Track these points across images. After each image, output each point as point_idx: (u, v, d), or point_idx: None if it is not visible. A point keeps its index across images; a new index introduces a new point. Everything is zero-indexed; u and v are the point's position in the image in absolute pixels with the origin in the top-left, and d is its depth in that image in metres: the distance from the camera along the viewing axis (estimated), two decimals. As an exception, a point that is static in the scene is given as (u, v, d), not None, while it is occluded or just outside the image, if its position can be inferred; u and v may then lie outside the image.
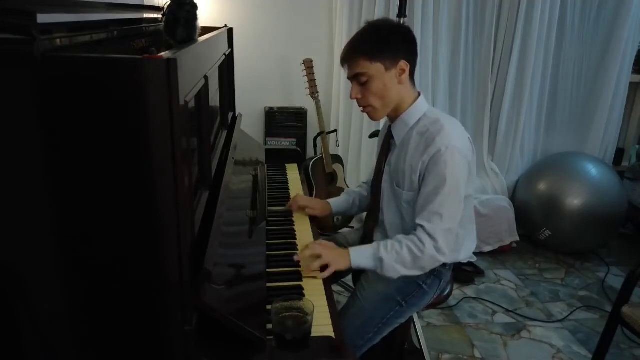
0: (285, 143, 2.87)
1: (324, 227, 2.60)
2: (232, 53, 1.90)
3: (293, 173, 2.07)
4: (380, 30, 1.36)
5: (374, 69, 1.33)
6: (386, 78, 1.34)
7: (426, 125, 1.37)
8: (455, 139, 1.31)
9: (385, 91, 1.35)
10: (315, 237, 1.51)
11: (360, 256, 1.34)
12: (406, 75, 1.36)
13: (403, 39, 1.36)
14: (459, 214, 1.34)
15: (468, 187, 1.40)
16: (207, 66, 1.22)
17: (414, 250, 1.30)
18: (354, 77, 1.37)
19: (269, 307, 1.03)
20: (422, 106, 1.41)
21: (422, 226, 1.31)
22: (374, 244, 1.35)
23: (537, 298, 2.50)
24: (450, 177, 1.29)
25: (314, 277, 1.29)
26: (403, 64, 1.34)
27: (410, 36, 1.38)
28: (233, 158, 1.46)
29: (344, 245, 1.63)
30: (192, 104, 0.96)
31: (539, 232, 2.89)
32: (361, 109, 1.42)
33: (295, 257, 1.35)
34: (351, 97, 1.39)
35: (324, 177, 2.69)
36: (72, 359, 0.84)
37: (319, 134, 2.70)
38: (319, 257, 1.30)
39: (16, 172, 0.74)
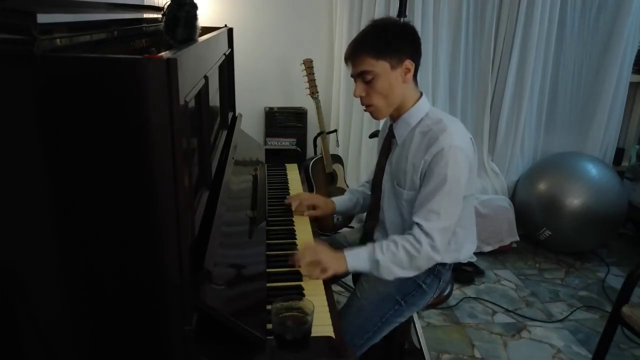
0: (285, 143, 2.87)
1: (324, 227, 2.60)
2: (232, 53, 1.90)
3: (293, 173, 2.07)
4: (387, 28, 1.35)
5: (380, 67, 1.32)
6: (391, 77, 1.34)
7: (429, 125, 1.37)
8: (458, 139, 1.31)
9: (390, 90, 1.35)
10: (315, 237, 1.51)
11: (356, 259, 1.33)
12: (411, 75, 1.36)
13: (409, 39, 1.36)
14: (457, 213, 1.34)
15: (469, 187, 1.40)
16: (207, 66, 1.22)
17: (410, 250, 1.30)
18: (358, 75, 1.36)
19: (269, 307, 1.03)
20: (424, 106, 1.41)
21: (418, 224, 1.31)
22: (369, 246, 1.34)
23: (537, 298, 2.50)
24: (451, 176, 1.29)
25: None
26: (408, 64, 1.34)
27: (416, 36, 1.38)
28: (233, 158, 1.46)
29: (344, 245, 1.64)
30: (192, 104, 0.96)
31: (539, 232, 2.89)
32: (363, 107, 1.42)
33: (291, 261, 1.32)
34: (355, 95, 1.38)
35: (324, 177, 2.68)
36: (72, 359, 0.84)
37: (319, 134, 2.70)
38: (318, 262, 1.29)
39: (16, 172, 0.74)
